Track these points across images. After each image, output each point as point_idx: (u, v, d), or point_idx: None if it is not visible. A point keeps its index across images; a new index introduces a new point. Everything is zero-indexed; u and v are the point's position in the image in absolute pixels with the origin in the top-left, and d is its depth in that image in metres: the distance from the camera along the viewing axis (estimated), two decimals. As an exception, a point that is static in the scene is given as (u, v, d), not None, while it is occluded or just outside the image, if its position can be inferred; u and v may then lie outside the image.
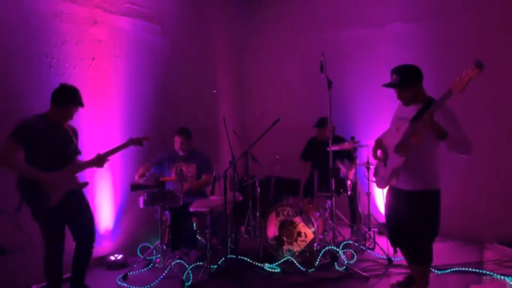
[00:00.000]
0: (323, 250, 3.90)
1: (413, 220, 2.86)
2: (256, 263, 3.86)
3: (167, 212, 4.16)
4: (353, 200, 4.61)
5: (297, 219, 4.03)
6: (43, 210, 2.88)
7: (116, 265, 4.01)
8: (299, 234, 4.03)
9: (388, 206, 3.10)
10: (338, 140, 4.74)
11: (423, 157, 2.81)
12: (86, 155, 3.52)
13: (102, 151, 3.29)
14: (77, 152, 3.21)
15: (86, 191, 3.30)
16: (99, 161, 3.23)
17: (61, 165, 3.01)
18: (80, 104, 3.08)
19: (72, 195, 3.05)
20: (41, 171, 2.86)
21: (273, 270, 3.81)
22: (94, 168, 3.54)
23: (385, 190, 3.17)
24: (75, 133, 3.24)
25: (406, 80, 2.82)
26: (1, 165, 2.79)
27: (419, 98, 2.84)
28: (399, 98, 2.94)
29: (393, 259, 3.96)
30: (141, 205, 3.87)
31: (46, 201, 2.85)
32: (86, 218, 3.20)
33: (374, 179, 3.28)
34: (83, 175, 3.37)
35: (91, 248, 3.24)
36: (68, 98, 3.02)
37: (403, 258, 3.83)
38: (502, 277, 3.47)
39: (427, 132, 2.65)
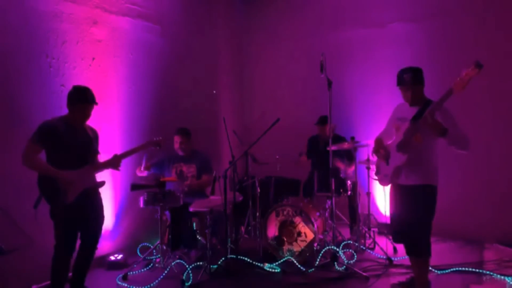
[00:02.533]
0: (323, 250, 3.90)
1: (414, 211, 2.99)
2: (256, 263, 3.85)
3: (167, 212, 4.16)
4: (353, 200, 4.61)
5: (297, 219, 4.03)
6: (61, 206, 2.96)
7: (116, 265, 4.00)
8: (299, 234, 4.03)
9: (392, 201, 3.22)
10: (339, 139, 4.74)
11: (423, 155, 2.97)
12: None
13: (117, 153, 3.33)
14: (96, 152, 3.26)
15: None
16: (115, 162, 3.28)
17: (80, 164, 3.08)
18: (93, 101, 3.12)
19: (88, 193, 3.12)
20: (59, 170, 2.95)
21: (273, 270, 3.81)
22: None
23: (387, 188, 3.30)
24: (95, 134, 3.31)
25: (418, 79, 2.97)
26: (24, 165, 2.91)
27: (421, 99, 3.00)
28: (407, 98, 3.05)
29: (393, 259, 3.96)
30: (141, 205, 3.88)
31: (64, 197, 2.94)
32: (97, 218, 3.24)
33: (376, 177, 3.39)
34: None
35: (94, 250, 3.26)
36: (79, 98, 3.07)
37: (403, 258, 3.85)
38: (502, 277, 3.46)
39: (427, 130, 2.81)
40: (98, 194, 3.28)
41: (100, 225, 3.27)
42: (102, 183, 3.24)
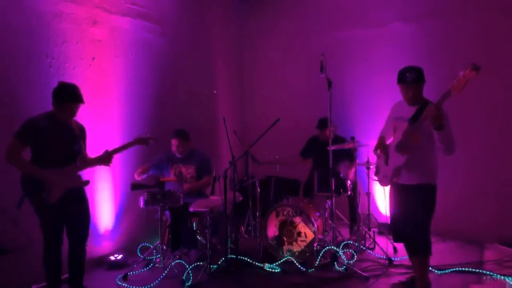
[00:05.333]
0: (323, 250, 3.90)
1: (413, 210, 3.02)
2: (256, 263, 3.86)
3: (167, 212, 4.16)
4: (353, 200, 4.61)
5: (297, 219, 4.03)
6: (44, 206, 2.95)
7: (116, 265, 4.01)
8: (299, 234, 4.03)
9: (392, 201, 3.23)
10: (339, 140, 4.74)
11: (422, 154, 2.97)
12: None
13: (109, 149, 3.33)
14: (82, 150, 3.24)
15: (86, 191, 3.30)
16: (106, 158, 3.27)
17: (65, 163, 3.07)
18: (80, 101, 3.08)
19: (73, 193, 3.09)
20: (43, 169, 2.94)
21: (273, 270, 3.81)
22: (94, 168, 3.54)
23: (387, 188, 3.31)
24: (82, 131, 3.28)
25: (421, 78, 2.97)
26: (7, 162, 2.90)
27: (420, 99, 2.99)
28: (407, 97, 3.03)
29: (393, 259, 3.96)
30: (141, 205, 3.87)
31: (47, 197, 2.92)
32: (81, 218, 3.22)
33: (375, 178, 3.40)
34: (83, 174, 3.38)
35: (84, 248, 3.25)
36: (67, 96, 3.03)
37: (403, 258, 3.86)
38: (502, 277, 3.46)
39: (426, 131, 2.82)
40: (84, 193, 3.25)
41: (85, 225, 3.24)
42: (86, 182, 3.22)
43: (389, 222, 3.52)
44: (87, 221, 3.26)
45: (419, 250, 3.08)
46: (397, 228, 3.21)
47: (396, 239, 3.29)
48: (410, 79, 2.95)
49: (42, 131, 2.95)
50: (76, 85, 3.11)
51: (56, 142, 3.02)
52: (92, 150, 3.40)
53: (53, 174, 2.96)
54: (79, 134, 3.22)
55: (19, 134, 2.92)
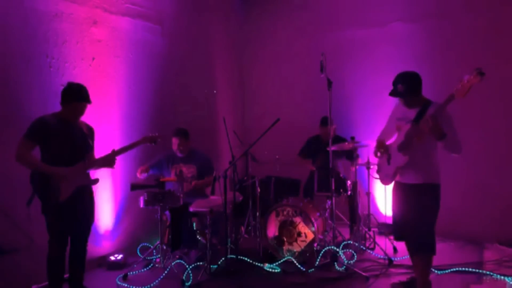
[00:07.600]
0: (323, 250, 3.90)
1: (418, 209, 3.00)
2: (256, 263, 3.85)
3: (167, 212, 4.16)
4: (353, 200, 4.61)
5: (297, 219, 4.03)
6: (53, 204, 2.96)
7: (116, 265, 4.00)
8: (299, 234, 4.03)
9: (395, 200, 3.23)
10: (339, 140, 4.74)
11: (425, 155, 2.98)
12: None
13: (115, 148, 3.34)
14: (91, 149, 3.25)
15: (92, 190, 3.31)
16: (109, 160, 3.26)
17: (74, 161, 3.08)
18: (86, 100, 3.13)
19: (81, 191, 3.11)
20: (53, 166, 2.95)
21: (273, 270, 3.81)
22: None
23: (388, 187, 3.32)
24: (90, 131, 3.31)
25: (413, 89, 2.98)
26: (18, 162, 2.91)
27: (418, 102, 3.02)
28: (404, 104, 3.07)
29: (393, 259, 3.96)
30: (141, 205, 3.87)
31: (57, 194, 2.93)
32: (86, 218, 3.23)
33: (377, 176, 3.40)
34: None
35: (85, 248, 3.26)
36: (73, 95, 3.07)
37: (403, 258, 3.86)
38: (502, 277, 3.46)
39: (427, 132, 2.81)
40: (91, 192, 3.27)
41: (90, 224, 3.26)
42: (96, 181, 3.23)
43: (388, 222, 3.51)
44: (91, 221, 3.28)
45: (421, 248, 3.06)
46: (399, 226, 3.19)
47: (397, 238, 3.27)
48: (401, 91, 2.98)
49: (52, 130, 2.98)
50: (83, 85, 3.15)
51: (66, 141, 3.04)
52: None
53: (64, 171, 2.98)
54: (88, 133, 3.25)
55: (29, 133, 2.94)
